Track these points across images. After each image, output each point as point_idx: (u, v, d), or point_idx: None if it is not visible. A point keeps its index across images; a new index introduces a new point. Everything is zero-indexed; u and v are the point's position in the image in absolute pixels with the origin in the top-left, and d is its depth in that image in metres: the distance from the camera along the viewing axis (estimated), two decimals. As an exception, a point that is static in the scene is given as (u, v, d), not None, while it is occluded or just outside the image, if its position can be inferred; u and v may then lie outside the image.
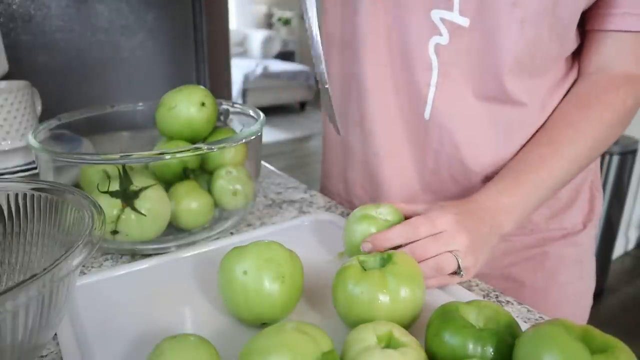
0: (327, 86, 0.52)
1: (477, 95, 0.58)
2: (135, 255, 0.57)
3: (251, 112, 0.66)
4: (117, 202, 0.53)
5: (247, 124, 0.66)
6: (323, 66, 0.51)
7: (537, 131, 0.59)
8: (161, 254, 0.56)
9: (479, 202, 0.52)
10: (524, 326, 0.43)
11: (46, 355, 0.41)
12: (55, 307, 0.34)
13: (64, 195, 0.42)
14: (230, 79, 1.58)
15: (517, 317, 0.46)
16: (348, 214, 0.66)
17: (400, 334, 0.35)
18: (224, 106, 0.69)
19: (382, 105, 0.63)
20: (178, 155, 0.52)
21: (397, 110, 0.63)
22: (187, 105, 0.61)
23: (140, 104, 0.71)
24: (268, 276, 0.41)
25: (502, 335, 0.35)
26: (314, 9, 0.49)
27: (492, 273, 0.67)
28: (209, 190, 0.61)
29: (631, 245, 2.56)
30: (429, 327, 0.37)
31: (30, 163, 0.77)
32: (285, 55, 5.94)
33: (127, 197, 0.53)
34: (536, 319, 0.47)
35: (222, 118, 0.69)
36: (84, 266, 0.55)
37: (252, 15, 6.00)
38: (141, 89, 1.29)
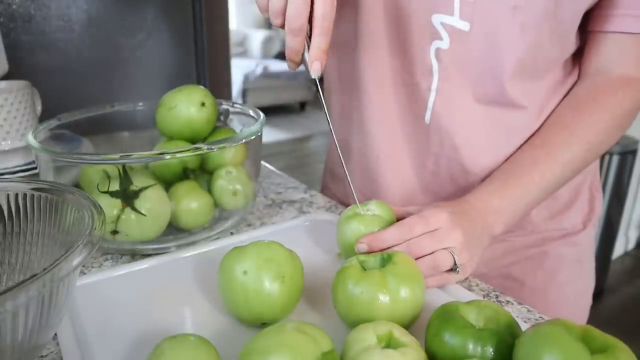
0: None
1: (478, 99, 0.58)
2: (135, 255, 0.57)
3: (251, 112, 0.66)
4: (117, 202, 0.53)
5: (247, 124, 0.66)
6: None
7: (533, 133, 0.59)
8: (161, 254, 0.56)
9: (471, 203, 0.53)
10: (524, 326, 0.43)
11: (46, 355, 0.41)
12: (55, 307, 0.34)
13: (64, 195, 0.42)
14: (230, 79, 1.58)
15: (517, 317, 0.46)
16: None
17: (400, 334, 0.35)
18: (224, 106, 0.69)
19: (383, 108, 0.63)
20: (178, 155, 0.52)
21: (397, 113, 0.63)
22: (187, 105, 0.61)
23: (140, 104, 0.71)
24: (268, 276, 0.41)
25: (502, 335, 0.35)
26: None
27: (490, 273, 0.67)
28: (209, 190, 0.61)
29: (631, 245, 2.56)
30: (429, 327, 0.37)
31: (30, 163, 0.77)
32: (285, 56, 5.93)
33: (127, 197, 0.53)
34: (536, 319, 0.47)
35: (222, 118, 0.69)
36: (84, 266, 0.55)
37: (252, 15, 6.00)
38: (141, 89, 1.29)
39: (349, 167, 0.72)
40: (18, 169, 0.75)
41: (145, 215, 0.54)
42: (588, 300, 0.72)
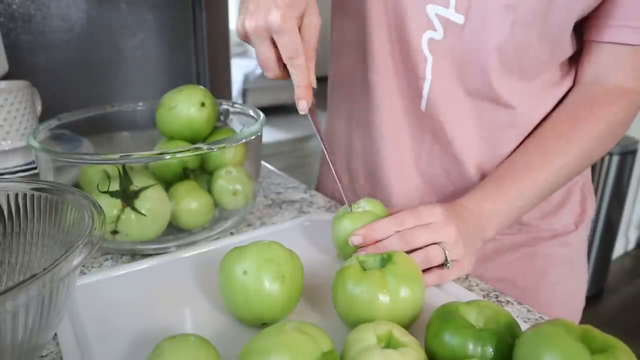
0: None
1: (468, 93, 0.59)
2: (135, 255, 0.57)
3: (251, 112, 0.66)
4: (117, 202, 0.53)
5: (247, 124, 0.66)
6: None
7: (526, 138, 0.60)
8: (161, 254, 0.56)
9: (464, 206, 0.53)
10: (524, 326, 0.43)
11: (46, 355, 0.41)
12: (55, 307, 0.34)
13: (64, 195, 0.42)
14: (230, 79, 1.58)
15: (517, 317, 0.46)
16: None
17: (400, 334, 0.35)
18: (224, 106, 0.69)
19: (385, 96, 0.64)
20: (178, 155, 0.52)
21: (398, 101, 0.63)
22: (187, 106, 0.61)
23: (140, 104, 0.71)
24: (268, 276, 0.41)
25: (502, 335, 0.35)
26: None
27: (484, 274, 0.67)
28: (209, 190, 0.61)
29: (631, 245, 2.56)
30: (429, 327, 0.37)
31: (30, 163, 0.77)
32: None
33: (127, 197, 0.53)
34: (536, 319, 0.47)
35: (222, 118, 0.69)
36: (84, 266, 0.55)
37: (252, 15, 5.98)
38: (141, 89, 1.29)
39: (352, 167, 0.72)
40: (18, 169, 0.75)
41: (145, 215, 0.54)
42: (580, 301, 0.72)
